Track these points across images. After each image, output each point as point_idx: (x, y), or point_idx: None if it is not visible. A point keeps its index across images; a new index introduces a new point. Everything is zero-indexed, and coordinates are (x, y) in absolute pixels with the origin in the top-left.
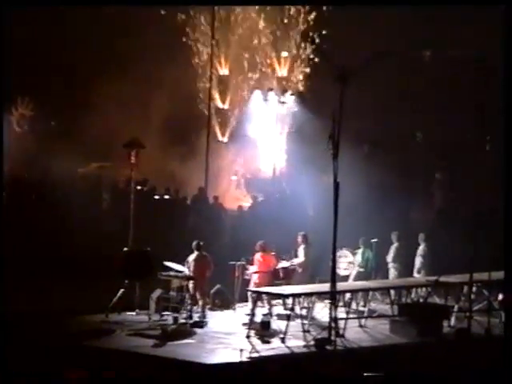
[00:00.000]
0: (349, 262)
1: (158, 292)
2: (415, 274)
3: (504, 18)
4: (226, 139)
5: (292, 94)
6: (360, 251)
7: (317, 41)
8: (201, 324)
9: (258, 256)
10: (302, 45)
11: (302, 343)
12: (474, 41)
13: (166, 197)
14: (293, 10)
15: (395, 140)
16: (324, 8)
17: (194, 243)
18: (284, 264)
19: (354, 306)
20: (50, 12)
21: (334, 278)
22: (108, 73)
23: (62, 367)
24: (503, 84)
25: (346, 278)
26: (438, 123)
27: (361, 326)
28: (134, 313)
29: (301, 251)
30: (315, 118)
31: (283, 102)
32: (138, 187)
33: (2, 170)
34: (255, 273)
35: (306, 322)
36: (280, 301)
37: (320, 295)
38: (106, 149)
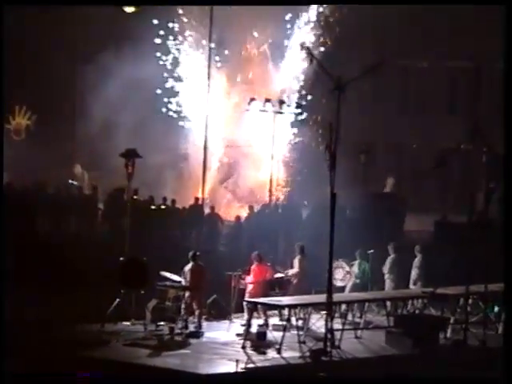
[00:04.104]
0: (345, 273)
1: (153, 302)
2: (411, 286)
3: (504, 18)
4: (222, 149)
5: (289, 105)
6: (357, 262)
7: (314, 51)
8: (197, 334)
9: (253, 266)
10: (300, 55)
11: (298, 354)
12: (469, 51)
13: (163, 207)
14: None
15: (392, 149)
16: (322, 18)
17: (190, 253)
18: (279, 275)
19: (349, 317)
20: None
21: (330, 288)
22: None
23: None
24: (503, 85)
25: (342, 289)
26: (435, 133)
27: (357, 337)
28: (129, 323)
29: (296, 262)
30: (313, 128)
31: (281, 113)
32: (135, 197)
33: (2, 177)
34: (250, 283)
35: (301, 333)
36: (276, 311)
37: (316, 306)
38: (102, 158)
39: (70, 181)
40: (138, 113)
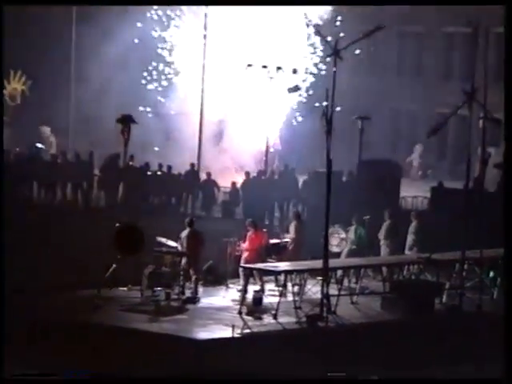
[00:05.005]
0: (341, 239)
1: (150, 268)
2: (407, 251)
3: (504, 18)
4: (219, 116)
5: (284, 71)
6: (352, 228)
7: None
8: (193, 300)
9: (249, 233)
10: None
11: (294, 320)
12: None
13: (159, 173)
14: None
15: (388, 115)
16: None
17: (187, 219)
18: (275, 241)
19: (345, 282)
20: None
21: (326, 254)
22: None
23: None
24: (505, 83)
25: (337, 255)
26: (429, 98)
27: (352, 302)
28: (125, 288)
29: (292, 227)
30: (311, 94)
31: (276, 78)
32: (130, 163)
33: (3, 168)
34: (246, 250)
35: (297, 298)
36: (272, 277)
37: (312, 272)
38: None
39: (37, 144)
40: (132, 75)
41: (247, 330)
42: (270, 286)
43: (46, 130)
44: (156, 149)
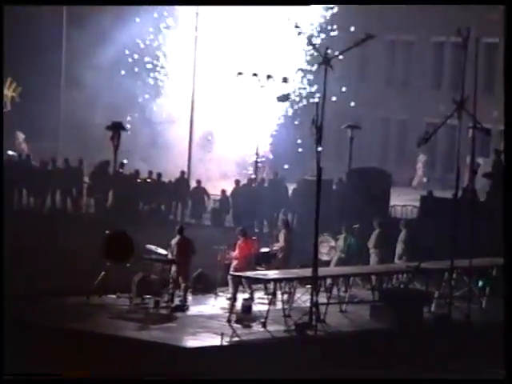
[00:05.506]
0: (330, 248)
1: (139, 275)
2: (396, 260)
3: (504, 18)
4: (209, 124)
5: (274, 79)
6: (342, 237)
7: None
8: (182, 308)
9: (239, 241)
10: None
11: (283, 328)
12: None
13: (149, 180)
14: None
15: (379, 124)
16: None
17: (177, 227)
18: (265, 249)
19: (335, 291)
20: None
21: (315, 263)
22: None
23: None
24: (505, 85)
25: (327, 264)
26: (419, 107)
27: (341, 311)
28: (114, 296)
29: (281, 236)
30: (301, 101)
31: (266, 87)
32: (120, 170)
33: (3, 174)
34: (236, 258)
35: (286, 306)
36: (261, 285)
37: (301, 280)
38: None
39: (9, 151)
40: (122, 82)
41: (236, 338)
42: (259, 294)
43: (20, 136)
44: (145, 156)
